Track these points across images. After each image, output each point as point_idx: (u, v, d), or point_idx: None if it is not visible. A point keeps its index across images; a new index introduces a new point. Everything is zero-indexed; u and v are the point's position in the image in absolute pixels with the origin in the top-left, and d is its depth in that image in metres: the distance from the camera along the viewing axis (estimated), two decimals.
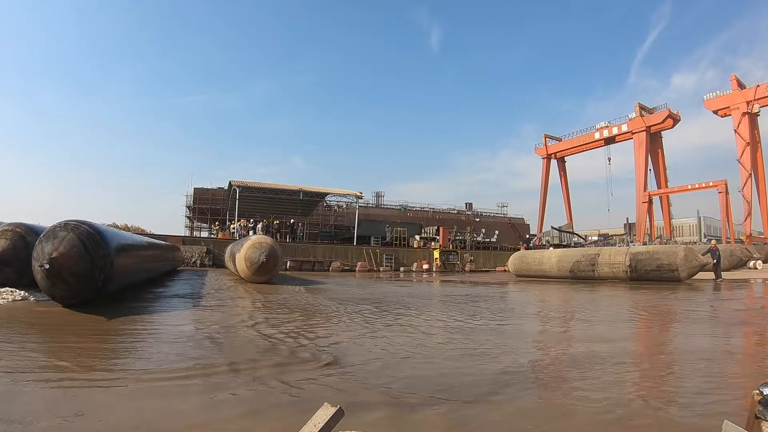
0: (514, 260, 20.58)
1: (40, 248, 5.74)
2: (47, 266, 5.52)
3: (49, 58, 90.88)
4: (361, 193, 31.25)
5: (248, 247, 11.80)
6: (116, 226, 16.81)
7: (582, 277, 16.65)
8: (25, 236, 7.19)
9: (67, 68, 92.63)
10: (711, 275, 15.76)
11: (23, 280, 6.95)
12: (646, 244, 29.16)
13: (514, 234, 41.39)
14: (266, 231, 26.41)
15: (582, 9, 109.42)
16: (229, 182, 28.50)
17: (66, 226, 5.92)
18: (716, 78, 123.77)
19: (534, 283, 15.77)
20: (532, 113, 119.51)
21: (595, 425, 2.36)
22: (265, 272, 11.72)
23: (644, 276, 15.05)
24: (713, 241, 19.24)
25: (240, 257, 11.95)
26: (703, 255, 15.43)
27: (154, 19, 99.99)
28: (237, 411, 2.48)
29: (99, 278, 6.16)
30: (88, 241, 5.94)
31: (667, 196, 41.80)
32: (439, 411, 2.55)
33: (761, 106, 34.93)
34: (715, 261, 15.69)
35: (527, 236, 39.30)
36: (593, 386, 3.07)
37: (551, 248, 26.79)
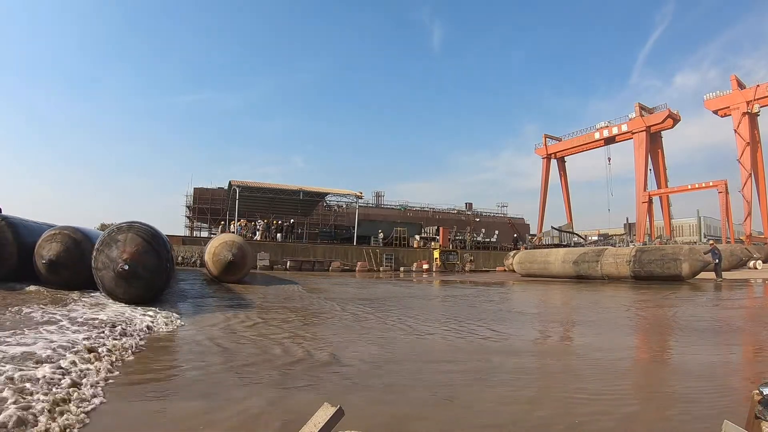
0: (520, 256, 20.70)
1: (110, 251, 5.82)
2: (126, 267, 5.60)
3: (46, 59, 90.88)
4: (361, 193, 31.23)
5: (216, 246, 11.48)
6: None
7: (585, 274, 16.67)
8: (77, 239, 7.27)
9: (64, 69, 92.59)
10: (712, 275, 15.83)
11: (74, 283, 7.04)
12: (646, 244, 29.15)
13: (514, 234, 41.35)
14: (268, 231, 26.41)
15: (584, 8, 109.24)
16: (229, 182, 28.48)
17: (131, 227, 6.07)
18: (718, 77, 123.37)
19: (534, 283, 15.76)
20: (534, 113, 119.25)
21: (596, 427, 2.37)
22: (235, 271, 11.34)
23: (647, 267, 15.14)
24: (711, 242, 19.27)
25: (209, 256, 11.65)
26: (705, 254, 15.52)
27: (154, 19, 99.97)
28: (236, 411, 2.48)
29: (166, 277, 6.34)
30: (153, 241, 6.11)
31: (667, 196, 41.75)
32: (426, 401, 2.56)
33: (761, 106, 34.86)
34: (716, 261, 15.79)
35: (515, 236, 39.08)
36: (593, 391, 3.08)
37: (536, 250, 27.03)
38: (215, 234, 30.52)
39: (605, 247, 18.39)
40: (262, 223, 26.81)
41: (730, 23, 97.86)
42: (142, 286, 6.03)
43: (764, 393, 1.66)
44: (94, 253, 6.06)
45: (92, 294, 6.66)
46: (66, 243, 7.10)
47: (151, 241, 6.09)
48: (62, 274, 7.01)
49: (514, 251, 26.46)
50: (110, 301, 6.06)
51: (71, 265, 7.01)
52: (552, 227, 41.97)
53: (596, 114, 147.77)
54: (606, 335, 5.31)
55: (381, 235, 28.53)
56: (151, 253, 6.01)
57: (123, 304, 5.87)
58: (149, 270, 5.97)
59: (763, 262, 22.63)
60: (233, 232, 25.27)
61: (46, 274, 7.03)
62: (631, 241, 36.09)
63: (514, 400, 2.78)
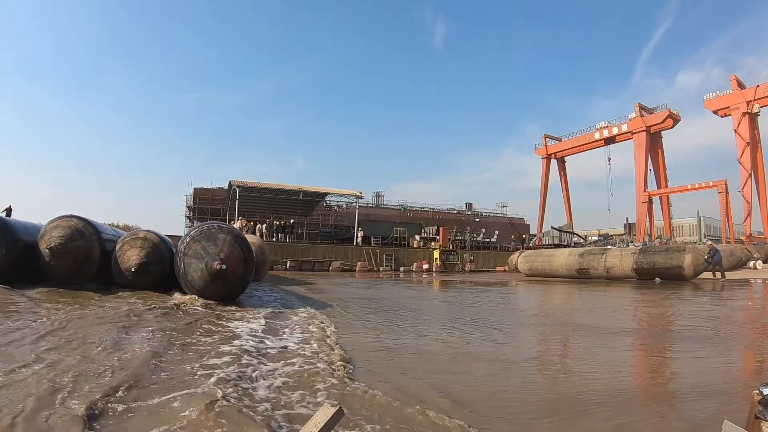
0: (525, 252, 20.92)
1: (201, 253, 6.08)
2: (223, 267, 5.84)
3: (47, 58, 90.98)
4: (361, 193, 31.25)
5: None
6: (116, 226, 16.83)
7: (588, 267, 16.76)
8: (155, 242, 7.52)
9: (66, 68, 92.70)
10: (714, 275, 15.97)
11: (156, 284, 7.27)
12: (646, 244, 29.20)
13: (514, 234, 41.37)
14: (269, 230, 26.40)
15: (586, 7, 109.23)
16: (229, 182, 28.49)
17: (215, 229, 6.41)
18: (721, 77, 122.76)
19: (536, 284, 15.76)
20: (536, 112, 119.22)
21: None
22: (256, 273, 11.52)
23: (650, 258, 15.29)
24: (710, 242, 19.34)
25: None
26: (707, 255, 15.60)
27: (155, 17, 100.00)
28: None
29: (251, 276, 6.64)
30: (239, 240, 6.45)
31: (667, 196, 41.74)
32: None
33: (761, 106, 34.88)
34: (716, 260, 15.90)
35: (523, 236, 39.14)
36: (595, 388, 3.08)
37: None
38: None
39: (609, 247, 18.76)
40: (261, 227, 26.79)
41: (732, 22, 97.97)
42: (235, 285, 6.38)
43: (764, 393, 1.66)
44: (181, 257, 6.31)
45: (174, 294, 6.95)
46: (149, 247, 7.32)
47: (237, 239, 6.42)
48: (147, 276, 7.22)
49: (519, 251, 26.62)
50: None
51: (155, 267, 7.27)
52: (552, 227, 42.02)
53: (598, 113, 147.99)
54: (611, 336, 5.32)
55: (360, 233, 28.41)
56: (239, 251, 6.30)
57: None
58: (241, 269, 6.31)
59: (763, 262, 22.62)
60: None
61: (132, 278, 7.17)
62: (631, 241, 36.12)
63: (522, 400, 2.78)
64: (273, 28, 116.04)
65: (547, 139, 50.49)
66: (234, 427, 1.99)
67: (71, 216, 7.46)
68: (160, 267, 7.26)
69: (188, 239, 6.41)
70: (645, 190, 39.74)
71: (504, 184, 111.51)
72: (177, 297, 6.47)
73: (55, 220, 7.29)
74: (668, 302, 9.25)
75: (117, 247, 7.40)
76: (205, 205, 37.18)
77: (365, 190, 45.55)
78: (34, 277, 7.02)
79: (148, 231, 7.74)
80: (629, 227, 42.90)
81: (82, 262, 7.22)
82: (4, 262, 6.68)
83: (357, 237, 28.16)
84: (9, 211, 19.18)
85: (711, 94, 37.69)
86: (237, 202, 26.91)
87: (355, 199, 31.30)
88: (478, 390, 2.97)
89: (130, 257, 7.15)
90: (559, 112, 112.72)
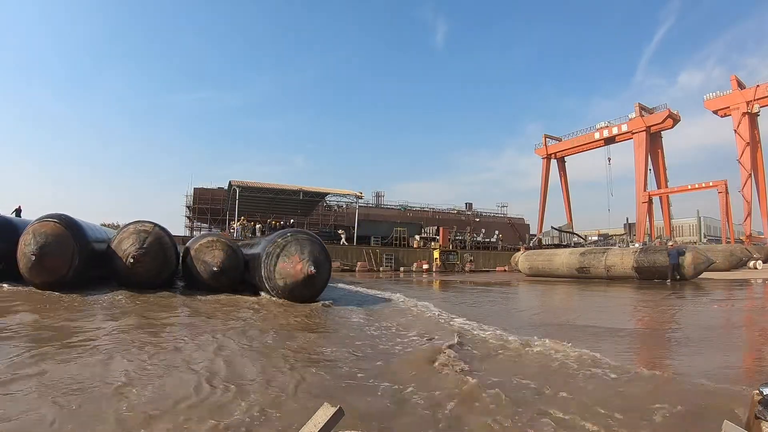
0: (527, 254, 20.90)
1: (288, 259, 6.57)
2: (312, 270, 6.35)
3: (47, 59, 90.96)
4: (361, 193, 31.22)
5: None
6: (116, 226, 16.82)
7: (588, 266, 16.73)
8: (233, 246, 7.94)
9: (65, 69, 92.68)
10: (717, 275, 15.89)
11: (231, 285, 7.71)
12: (646, 244, 29.20)
13: (514, 234, 41.36)
14: (269, 230, 26.36)
15: (587, 7, 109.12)
16: (229, 182, 28.47)
17: (299, 235, 7.01)
18: (723, 77, 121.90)
19: (537, 284, 15.73)
20: (536, 112, 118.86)
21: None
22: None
23: (651, 256, 15.31)
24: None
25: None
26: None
27: (155, 16, 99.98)
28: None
29: (329, 277, 7.39)
30: (320, 242, 7.11)
31: (667, 196, 41.68)
32: None
33: (761, 106, 34.83)
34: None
35: (527, 236, 39.17)
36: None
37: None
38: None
39: (610, 247, 18.79)
40: (264, 224, 26.76)
41: (733, 22, 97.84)
42: (321, 285, 6.93)
43: (764, 393, 1.66)
44: (266, 263, 6.73)
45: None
46: (227, 251, 7.67)
47: (319, 243, 6.90)
48: (225, 278, 7.51)
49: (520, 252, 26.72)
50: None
51: (232, 269, 7.65)
52: (552, 227, 42.00)
53: (598, 113, 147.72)
54: (610, 336, 5.32)
55: (343, 235, 28.35)
56: (323, 254, 6.83)
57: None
58: (327, 270, 6.94)
59: (763, 262, 22.60)
60: (232, 233, 25.26)
61: (210, 280, 7.44)
62: (631, 241, 36.11)
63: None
64: (273, 27, 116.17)
65: (547, 139, 50.42)
66: None
67: (126, 225, 7.61)
68: (234, 274, 7.70)
69: (272, 247, 6.76)
70: (645, 190, 39.69)
71: (504, 184, 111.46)
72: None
73: (115, 238, 7.40)
74: (669, 302, 9.25)
75: (197, 247, 7.68)
76: (205, 205, 37.13)
77: (365, 190, 45.54)
78: (103, 281, 7.30)
79: (217, 233, 8.19)
80: (629, 227, 42.86)
81: (162, 255, 7.42)
82: (74, 272, 6.72)
83: (341, 238, 28.00)
84: (18, 212, 18.99)
85: (711, 94, 37.66)
86: (237, 202, 26.89)
87: (355, 199, 31.27)
88: None
89: (216, 256, 7.44)
90: (559, 112, 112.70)
